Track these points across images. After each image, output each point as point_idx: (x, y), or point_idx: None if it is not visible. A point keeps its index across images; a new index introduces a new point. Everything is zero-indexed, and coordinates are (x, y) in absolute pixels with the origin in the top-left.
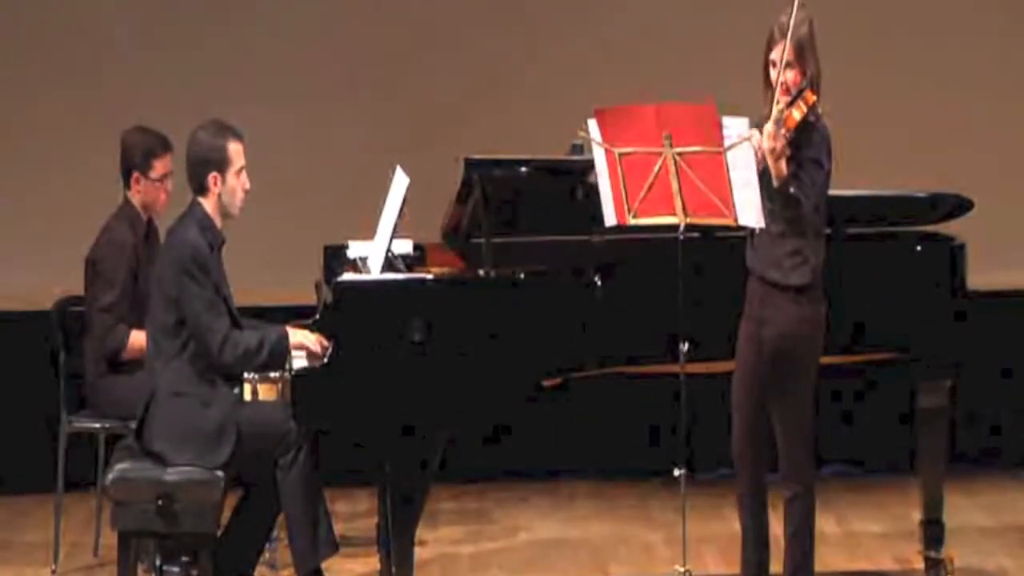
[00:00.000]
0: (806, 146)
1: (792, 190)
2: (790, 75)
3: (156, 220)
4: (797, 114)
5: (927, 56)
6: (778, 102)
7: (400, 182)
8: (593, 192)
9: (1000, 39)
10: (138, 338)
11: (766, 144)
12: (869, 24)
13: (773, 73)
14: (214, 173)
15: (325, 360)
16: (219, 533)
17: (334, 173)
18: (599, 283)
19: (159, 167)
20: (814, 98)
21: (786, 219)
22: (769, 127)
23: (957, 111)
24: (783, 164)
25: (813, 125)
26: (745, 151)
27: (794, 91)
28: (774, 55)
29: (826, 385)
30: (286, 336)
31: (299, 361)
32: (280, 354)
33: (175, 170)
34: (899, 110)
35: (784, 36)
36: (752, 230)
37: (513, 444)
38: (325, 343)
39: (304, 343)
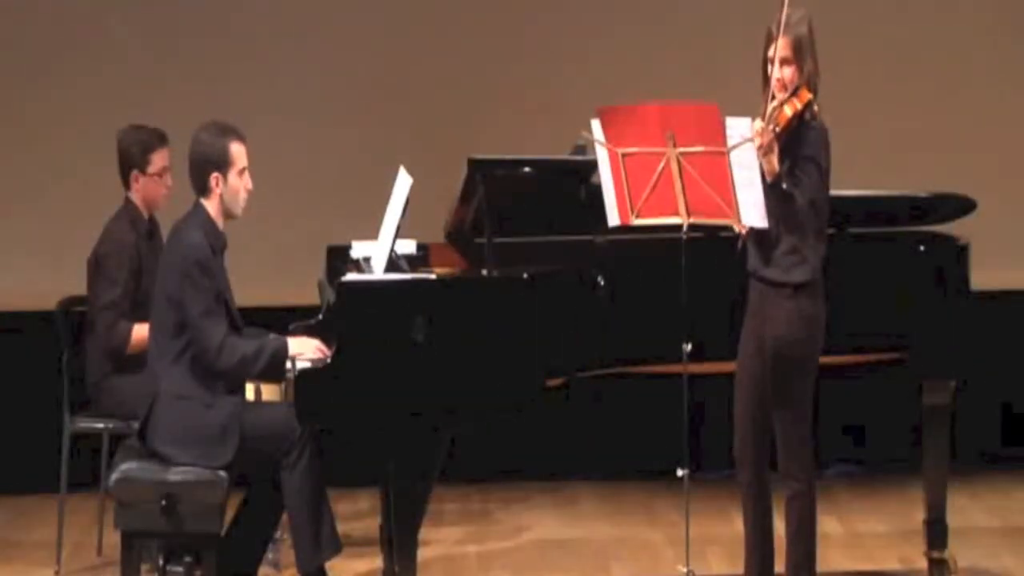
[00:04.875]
0: (802, 144)
1: (785, 186)
2: (787, 72)
3: (157, 216)
4: (789, 110)
5: (928, 55)
6: (773, 98)
7: (403, 182)
8: (596, 192)
9: (1002, 38)
10: (140, 331)
11: (755, 142)
12: (870, 22)
13: (771, 70)
14: (216, 173)
15: (328, 360)
16: (222, 533)
17: (337, 173)
18: (602, 283)
19: (157, 161)
20: (809, 96)
21: (781, 216)
22: (758, 124)
23: (959, 110)
24: (773, 159)
25: (808, 124)
26: (748, 151)
27: (791, 88)
28: (772, 52)
29: (830, 385)
30: (285, 347)
31: (302, 363)
32: (279, 363)
33: (176, 171)
34: (901, 110)
35: (782, 33)
36: (751, 230)
37: (516, 444)
38: (326, 351)
39: (305, 353)
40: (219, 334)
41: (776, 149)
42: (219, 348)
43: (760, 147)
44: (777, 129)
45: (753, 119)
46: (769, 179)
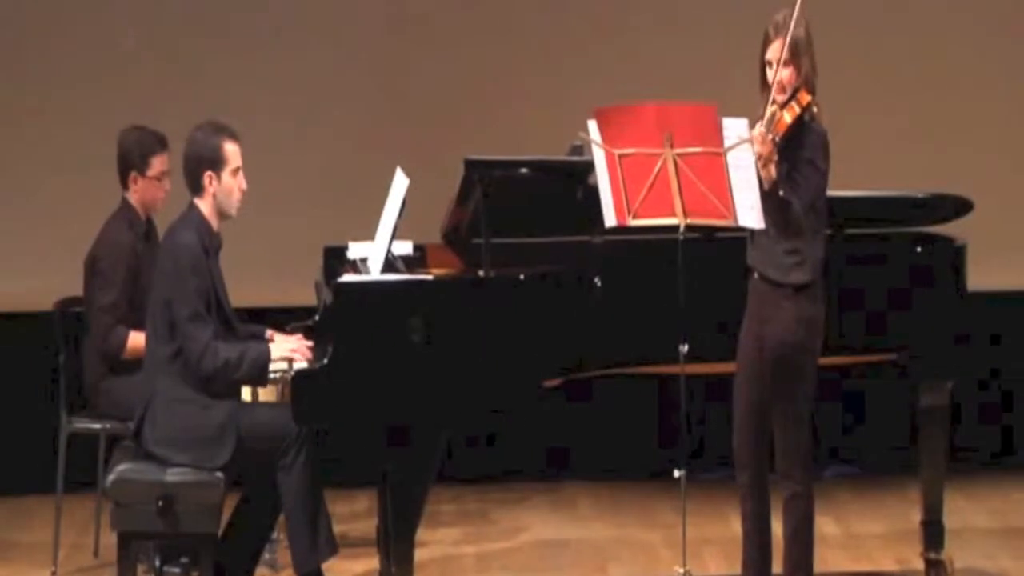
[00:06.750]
0: (801, 147)
1: (781, 193)
2: (785, 73)
3: (155, 219)
4: (788, 117)
5: (927, 55)
6: (773, 101)
7: (400, 183)
8: (593, 193)
9: (1002, 38)
10: (137, 339)
11: (754, 149)
12: (868, 22)
13: (769, 72)
14: (209, 172)
15: (325, 360)
16: (219, 534)
17: (334, 174)
18: (599, 284)
19: (157, 165)
20: (809, 98)
21: (778, 222)
22: (758, 131)
23: (958, 110)
24: (772, 169)
25: (808, 125)
26: (745, 152)
27: (789, 90)
28: (769, 54)
29: (828, 386)
30: (267, 353)
31: (298, 363)
32: (260, 369)
33: (174, 173)
34: (899, 110)
35: (779, 34)
36: (753, 229)
37: (513, 444)
38: (308, 352)
39: (287, 355)
40: (204, 337)
41: (776, 158)
42: (203, 351)
43: (760, 156)
44: (777, 138)
45: (752, 125)
46: (766, 187)
